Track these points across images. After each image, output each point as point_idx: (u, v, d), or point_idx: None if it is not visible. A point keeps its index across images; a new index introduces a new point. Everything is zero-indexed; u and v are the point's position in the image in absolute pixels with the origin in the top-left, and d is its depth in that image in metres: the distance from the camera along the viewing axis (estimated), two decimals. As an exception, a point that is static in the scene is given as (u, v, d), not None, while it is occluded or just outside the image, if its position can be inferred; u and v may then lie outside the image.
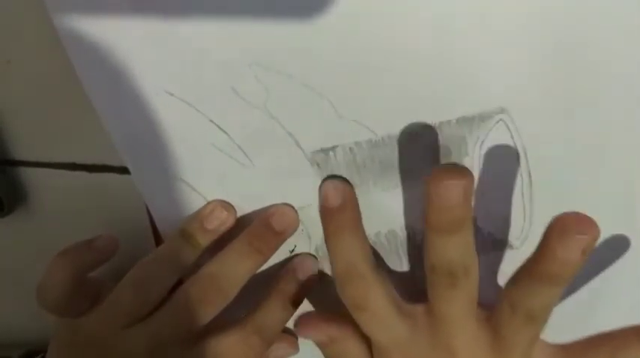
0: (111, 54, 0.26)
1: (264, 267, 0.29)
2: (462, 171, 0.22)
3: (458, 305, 0.25)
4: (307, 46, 0.24)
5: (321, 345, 0.28)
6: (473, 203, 0.23)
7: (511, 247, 0.27)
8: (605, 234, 0.26)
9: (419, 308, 0.26)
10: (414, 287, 0.28)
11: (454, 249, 0.23)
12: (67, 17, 0.26)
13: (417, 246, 0.28)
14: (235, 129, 0.27)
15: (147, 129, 0.28)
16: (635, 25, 0.22)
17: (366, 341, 0.27)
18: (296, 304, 0.29)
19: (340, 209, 0.26)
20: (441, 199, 0.22)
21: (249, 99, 0.26)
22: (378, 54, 0.24)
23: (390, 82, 0.25)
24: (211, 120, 0.27)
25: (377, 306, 0.26)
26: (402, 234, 0.28)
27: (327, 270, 0.30)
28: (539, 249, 0.22)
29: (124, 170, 0.30)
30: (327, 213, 0.27)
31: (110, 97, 0.27)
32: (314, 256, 0.30)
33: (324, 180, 0.27)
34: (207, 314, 0.28)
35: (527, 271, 0.23)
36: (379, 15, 0.23)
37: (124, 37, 0.26)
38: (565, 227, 0.21)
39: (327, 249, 0.27)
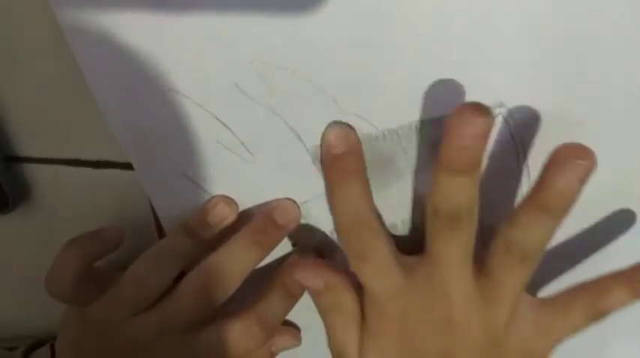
0: (115, 52, 0.26)
1: (267, 260, 0.30)
2: (486, 108, 0.21)
3: (457, 250, 0.24)
4: (309, 41, 0.25)
5: (315, 292, 0.27)
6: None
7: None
8: (601, 225, 0.27)
9: (414, 259, 0.26)
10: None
11: (462, 191, 0.23)
12: (70, 14, 0.26)
13: (417, 239, 0.29)
14: (238, 125, 0.27)
15: (151, 125, 0.28)
16: (636, 21, 0.23)
17: (358, 293, 0.27)
18: (296, 297, 0.30)
19: (345, 155, 0.25)
20: (462, 136, 0.21)
21: (252, 96, 0.27)
22: (379, 49, 0.24)
23: (391, 76, 0.25)
24: (215, 117, 0.27)
25: (380, 257, 0.25)
26: (402, 226, 0.28)
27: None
28: (538, 181, 0.22)
29: (127, 166, 0.30)
30: (330, 160, 0.26)
31: (114, 94, 0.28)
32: (315, 251, 0.30)
33: (327, 127, 0.26)
34: (210, 304, 0.28)
35: (525, 205, 0.23)
36: (380, 10, 0.24)
37: (128, 35, 0.26)
38: (564, 156, 0.21)
39: (329, 198, 0.26)
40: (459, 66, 0.24)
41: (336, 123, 0.26)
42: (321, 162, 0.27)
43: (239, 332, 0.29)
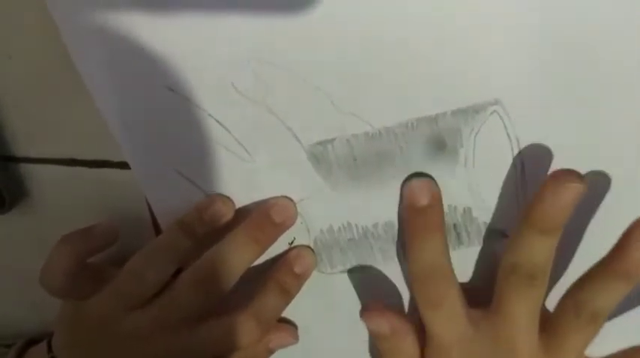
0: (111, 51, 0.26)
1: (264, 258, 0.30)
2: (580, 175, 0.23)
3: (528, 306, 0.25)
4: (305, 40, 0.25)
5: (378, 336, 0.28)
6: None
7: (505, 236, 0.28)
8: (599, 225, 0.27)
9: (481, 312, 0.27)
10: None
11: (543, 251, 0.24)
12: (66, 13, 0.26)
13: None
14: (235, 124, 0.28)
15: (147, 124, 0.28)
16: (629, 18, 0.23)
17: (420, 341, 0.28)
18: (290, 294, 0.30)
19: (429, 207, 0.26)
20: (559, 200, 0.23)
21: (248, 95, 0.27)
22: (374, 47, 0.25)
23: (387, 75, 0.25)
24: (211, 116, 0.28)
25: (452, 306, 0.26)
26: (399, 226, 0.29)
27: (326, 261, 0.30)
28: (617, 248, 0.23)
29: (123, 165, 0.30)
30: (414, 211, 0.26)
31: (110, 93, 0.28)
32: (311, 249, 0.30)
33: (408, 178, 0.27)
34: (206, 300, 0.29)
35: (601, 271, 0.24)
36: (376, 8, 0.24)
37: (124, 34, 0.26)
38: None
39: (410, 246, 0.27)
40: (456, 63, 0.24)
41: (417, 174, 0.27)
42: (401, 212, 0.28)
43: (235, 328, 0.29)
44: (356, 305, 0.31)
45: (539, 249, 0.24)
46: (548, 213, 0.23)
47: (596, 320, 0.24)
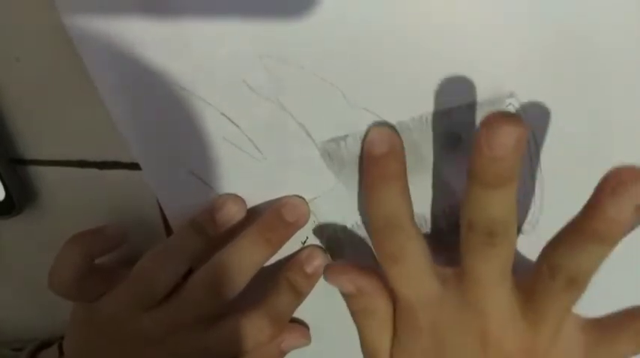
0: (122, 51, 0.26)
1: (277, 257, 0.29)
2: (515, 117, 0.20)
3: (493, 267, 0.23)
4: (316, 36, 0.25)
5: (347, 296, 0.26)
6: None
7: (522, 232, 0.27)
8: None
9: (449, 271, 0.25)
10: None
11: (497, 205, 0.22)
12: (77, 15, 0.26)
13: (425, 234, 0.28)
14: (247, 122, 0.27)
15: (159, 124, 0.28)
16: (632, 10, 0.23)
17: (392, 301, 0.26)
18: (303, 293, 0.30)
19: (386, 156, 0.25)
20: (492, 148, 0.20)
21: (260, 92, 0.27)
22: (387, 42, 0.24)
23: (400, 69, 0.25)
24: (223, 114, 0.27)
25: (412, 259, 0.24)
26: (416, 221, 0.28)
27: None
28: (588, 205, 0.21)
29: (134, 166, 0.30)
30: (370, 160, 0.25)
31: (122, 94, 0.28)
32: (323, 249, 0.30)
33: (371, 126, 0.26)
34: (219, 300, 0.28)
35: (572, 230, 0.22)
36: (388, 4, 0.24)
37: (134, 34, 0.26)
38: (618, 183, 0.20)
39: (366, 197, 0.25)
40: (468, 57, 0.24)
41: (379, 123, 0.26)
42: (364, 159, 0.26)
43: (249, 326, 0.29)
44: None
45: (491, 204, 0.22)
46: (487, 166, 0.21)
47: (575, 285, 0.22)
